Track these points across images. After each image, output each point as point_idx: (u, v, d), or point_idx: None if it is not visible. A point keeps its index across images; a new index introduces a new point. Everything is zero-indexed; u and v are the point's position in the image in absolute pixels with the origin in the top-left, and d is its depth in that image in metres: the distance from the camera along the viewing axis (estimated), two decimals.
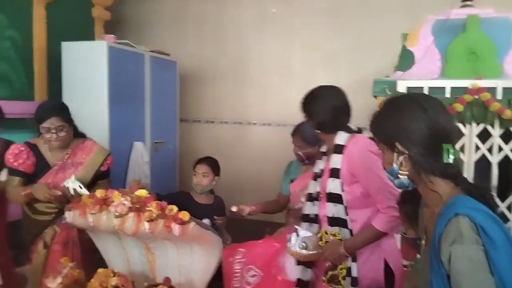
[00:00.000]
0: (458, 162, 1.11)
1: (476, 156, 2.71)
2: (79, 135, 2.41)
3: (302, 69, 5.09)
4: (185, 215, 1.79)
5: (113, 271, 1.77)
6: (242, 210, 2.46)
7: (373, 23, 4.77)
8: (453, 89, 2.71)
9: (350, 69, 4.82)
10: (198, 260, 2.04)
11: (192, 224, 1.81)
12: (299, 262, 1.96)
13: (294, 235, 1.82)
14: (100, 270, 1.76)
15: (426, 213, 1.18)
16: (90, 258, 2.22)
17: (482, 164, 2.72)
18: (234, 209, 2.44)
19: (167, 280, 1.78)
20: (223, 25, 5.35)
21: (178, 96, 4.77)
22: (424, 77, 2.88)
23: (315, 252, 1.78)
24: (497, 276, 0.96)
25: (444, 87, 2.75)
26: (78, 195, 2.03)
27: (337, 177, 1.83)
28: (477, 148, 2.72)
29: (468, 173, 2.71)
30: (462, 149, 2.73)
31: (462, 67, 2.83)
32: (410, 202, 1.26)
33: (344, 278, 1.80)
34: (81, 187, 2.07)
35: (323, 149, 2.03)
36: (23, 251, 2.30)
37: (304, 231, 1.84)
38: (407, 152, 1.12)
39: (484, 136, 2.70)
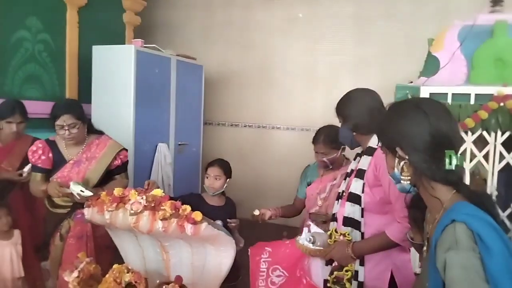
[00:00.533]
0: (460, 169, 1.08)
1: (500, 165, 2.62)
2: (95, 131, 2.51)
3: (327, 74, 5.07)
4: (197, 215, 1.81)
5: (127, 268, 1.81)
6: (264, 214, 2.48)
7: (400, 28, 4.71)
8: (478, 95, 2.64)
9: (376, 75, 4.76)
10: (211, 260, 2.06)
11: (204, 224, 1.84)
12: (327, 263, 1.94)
13: (305, 230, 1.84)
14: (115, 266, 1.80)
15: (429, 219, 1.16)
16: (104, 254, 2.30)
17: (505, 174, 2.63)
18: (256, 212, 2.46)
19: (178, 279, 1.81)
20: (249, 30, 5.41)
21: (203, 99, 4.85)
22: (449, 83, 2.82)
23: (321, 248, 1.78)
24: (492, 285, 0.93)
25: (469, 94, 2.68)
26: (85, 198, 2.11)
27: (361, 178, 1.81)
28: (502, 156, 2.63)
29: (492, 182, 2.62)
30: (485, 157, 2.66)
31: (489, 74, 2.76)
32: (418, 207, 1.24)
33: (349, 280, 1.78)
34: (83, 191, 2.15)
35: (358, 150, 2.01)
36: (46, 244, 2.39)
37: (317, 227, 1.86)
38: (407, 158, 1.10)
39: (509, 144, 2.62)
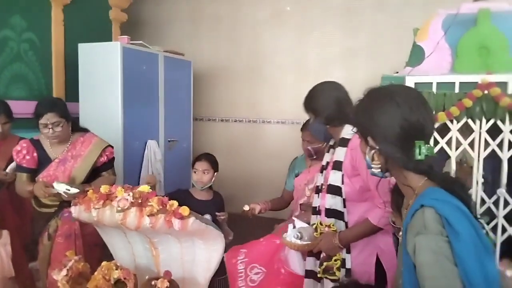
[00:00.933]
0: (430, 158, 1.09)
1: (486, 152, 2.65)
2: (80, 129, 2.49)
3: (317, 66, 5.08)
4: (184, 210, 1.82)
5: (116, 264, 1.82)
6: (254, 208, 2.50)
7: (389, 19, 4.72)
8: (463, 84, 2.66)
9: (366, 66, 4.79)
10: (200, 255, 2.08)
11: (192, 219, 1.85)
12: (309, 254, 1.99)
13: (290, 226, 1.87)
14: (103, 263, 1.81)
15: (404, 204, 1.18)
16: (93, 251, 2.30)
17: (492, 161, 2.66)
18: (246, 208, 2.49)
19: (167, 274, 1.82)
20: (238, 24, 5.39)
21: (192, 95, 4.84)
22: (434, 72, 2.83)
23: (309, 242, 1.82)
24: (460, 267, 0.95)
25: (453, 82, 2.70)
26: (72, 195, 2.11)
27: (339, 169, 1.85)
28: (487, 143, 2.66)
29: (478, 169, 2.65)
30: (471, 144, 2.68)
31: (473, 62, 2.77)
32: (400, 192, 1.26)
33: (338, 269, 1.83)
34: (68, 189, 2.13)
35: (331, 142, 2.06)
36: (34, 244, 2.39)
37: (301, 222, 1.88)
38: (377, 147, 1.12)
39: (494, 132, 2.64)
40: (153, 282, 1.79)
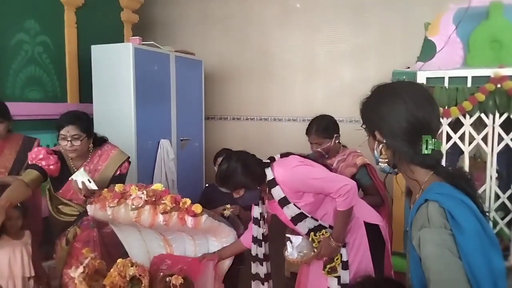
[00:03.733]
0: (437, 152, 1.11)
1: (499, 147, 2.63)
2: (99, 141, 2.41)
3: (327, 64, 5.07)
4: (197, 208, 1.85)
5: (131, 262, 1.85)
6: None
7: (398, 15, 4.68)
8: (475, 78, 2.64)
9: (376, 63, 4.76)
10: (213, 251, 2.11)
11: (204, 217, 1.88)
12: (254, 259, 2.10)
13: (288, 244, 1.96)
14: (119, 260, 1.85)
15: (412, 199, 1.19)
16: (112, 252, 2.31)
17: (506, 155, 2.64)
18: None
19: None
20: (247, 23, 5.40)
21: (203, 94, 4.87)
22: (446, 67, 2.82)
23: (312, 254, 1.93)
24: (464, 260, 0.96)
25: (465, 77, 2.68)
26: (86, 190, 2.05)
27: (288, 202, 1.95)
28: (501, 138, 2.64)
29: (492, 164, 2.63)
30: (485, 139, 2.66)
31: (485, 56, 2.75)
32: None
33: (339, 264, 1.96)
34: (90, 181, 2.07)
35: (252, 201, 2.07)
36: (47, 244, 2.42)
37: (295, 237, 1.97)
38: (385, 142, 1.13)
39: (507, 126, 2.62)
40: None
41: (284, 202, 1.95)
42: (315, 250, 1.93)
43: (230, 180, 1.94)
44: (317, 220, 1.98)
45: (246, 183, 1.94)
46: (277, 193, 1.96)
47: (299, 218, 1.96)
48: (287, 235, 2.00)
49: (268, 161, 2.05)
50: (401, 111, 1.11)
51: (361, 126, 1.23)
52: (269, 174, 1.97)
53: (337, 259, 1.95)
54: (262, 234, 2.07)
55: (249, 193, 1.97)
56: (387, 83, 1.21)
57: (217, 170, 2.01)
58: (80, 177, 2.08)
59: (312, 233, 1.95)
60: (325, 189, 1.90)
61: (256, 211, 2.07)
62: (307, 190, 1.93)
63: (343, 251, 1.95)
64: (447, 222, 0.99)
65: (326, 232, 1.95)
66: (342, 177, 1.99)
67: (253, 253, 2.08)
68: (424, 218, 1.02)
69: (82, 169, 2.15)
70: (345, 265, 1.96)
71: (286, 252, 1.97)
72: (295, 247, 1.93)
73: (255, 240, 2.07)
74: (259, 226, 2.06)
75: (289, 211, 1.96)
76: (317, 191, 1.93)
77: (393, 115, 1.12)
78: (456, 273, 0.96)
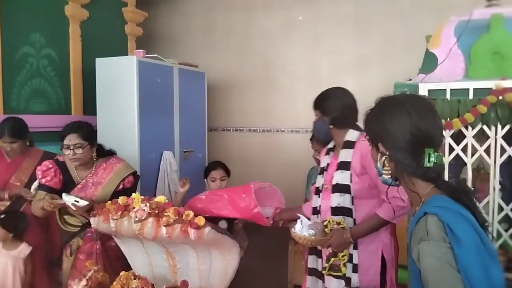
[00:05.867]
0: (438, 166, 1.12)
1: (502, 159, 2.62)
2: (106, 154, 2.45)
3: (330, 75, 5.10)
4: (200, 220, 1.85)
5: (134, 274, 1.85)
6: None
7: (400, 26, 4.73)
8: (477, 90, 2.64)
9: (379, 73, 4.79)
10: (216, 264, 2.10)
11: (207, 229, 1.87)
12: (311, 252, 2.09)
13: (299, 222, 1.92)
14: (122, 273, 1.85)
15: (412, 211, 1.19)
16: (115, 265, 2.30)
17: (509, 167, 2.63)
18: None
19: (184, 283, 1.85)
20: (250, 35, 5.46)
21: (206, 106, 4.90)
22: (448, 79, 2.83)
23: (321, 237, 1.87)
24: (463, 273, 0.97)
25: (467, 89, 2.69)
26: (80, 208, 2.10)
27: (347, 169, 1.95)
28: (503, 149, 2.63)
29: (495, 176, 2.62)
30: (487, 151, 2.66)
31: (487, 68, 2.76)
32: None
33: (344, 265, 1.92)
34: (77, 201, 2.10)
35: (330, 145, 2.16)
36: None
37: (305, 219, 1.94)
38: (388, 154, 1.14)
39: (510, 137, 2.62)
40: None
41: (344, 166, 1.96)
42: (326, 237, 1.88)
43: (325, 100, 2.03)
44: (352, 204, 1.94)
45: (331, 113, 1.99)
46: (345, 155, 1.97)
47: (342, 188, 1.95)
48: (298, 214, 1.97)
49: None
50: (405, 123, 1.12)
51: (365, 137, 1.24)
52: (354, 135, 1.98)
53: (342, 256, 1.91)
54: (322, 185, 2.08)
55: (321, 124, 2.03)
56: (392, 95, 1.23)
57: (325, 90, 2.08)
58: (68, 200, 2.12)
59: (330, 218, 1.93)
60: (384, 185, 1.81)
61: (324, 161, 2.13)
62: (371, 174, 1.87)
63: (355, 252, 1.92)
64: (446, 236, 1.00)
65: (343, 223, 1.91)
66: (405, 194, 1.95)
67: (313, 204, 2.12)
68: (423, 231, 1.03)
69: (64, 194, 2.16)
70: (355, 268, 1.92)
71: (293, 229, 1.91)
72: (306, 225, 1.90)
73: (316, 190, 2.11)
74: (322, 176, 2.10)
75: (340, 177, 1.95)
76: (379, 183, 1.82)
77: (397, 127, 1.13)
78: (455, 286, 0.96)
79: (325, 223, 1.92)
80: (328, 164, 2.10)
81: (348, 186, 1.93)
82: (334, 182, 1.97)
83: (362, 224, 1.91)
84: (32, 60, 3.68)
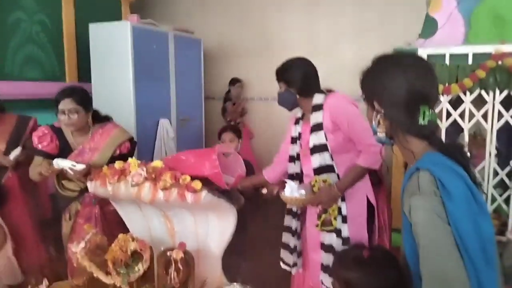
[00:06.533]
0: (433, 123, 1.12)
1: (499, 124, 2.63)
2: (102, 119, 2.43)
3: (328, 42, 5.02)
4: (197, 184, 1.86)
5: (132, 237, 1.87)
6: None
7: None
8: (476, 55, 2.62)
9: (376, 39, 4.70)
10: (214, 227, 2.12)
11: (204, 193, 1.88)
12: (287, 212, 2.21)
13: (287, 186, 1.99)
14: (120, 235, 1.86)
15: (407, 171, 1.20)
16: (114, 229, 2.32)
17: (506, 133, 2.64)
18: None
19: (181, 245, 1.86)
20: (247, 1, 5.33)
21: (202, 73, 4.84)
22: (447, 44, 2.80)
23: (311, 196, 1.95)
24: (453, 226, 0.99)
25: (466, 54, 2.66)
26: (77, 171, 2.11)
27: (320, 129, 2.03)
28: (500, 115, 2.63)
29: (491, 141, 2.63)
30: (485, 116, 2.66)
31: (487, 32, 2.73)
32: None
33: (335, 218, 2.01)
34: (74, 165, 2.11)
35: (298, 114, 2.22)
36: (55, 220, 2.45)
37: (292, 182, 2.02)
38: (383, 111, 1.14)
39: (507, 103, 2.61)
40: (168, 253, 1.84)
41: (317, 127, 2.04)
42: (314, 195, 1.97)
43: (289, 72, 2.08)
44: (332, 160, 2.02)
45: (297, 84, 2.05)
46: (316, 117, 2.04)
47: (320, 148, 2.03)
48: (285, 180, 2.05)
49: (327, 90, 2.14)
50: (401, 80, 1.12)
51: (361, 97, 1.24)
52: (320, 98, 2.05)
53: (333, 211, 2.00)
54: (297, 153, 2.17)
55: (287, 95, 2.08)
56: (388, 54, 1.21)
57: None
58: (65, 164, 2.12)
59: (315, 177, 2.00)
60: (360, 137, 1.94)
61: (295, 130, 2.20)
62: (344, 129, 1.98)
63: (343, 205, 2.01)
64: (437, 190, 1.02)
65: (329, 179, 1.99)
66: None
67: (289, 171, 2.21)
68: (415, 186, 1.05)
69: (59, 159, 2.16)
70: (345, 219, 2.02)
71: (283, 192, 2.00)
72: (295, 188, 1.97)
73: (291, 158, 2.20)
74: (296, 145, 2.18)
75: (315, 138, 2.03)
76: (352, 135, 1.98)
77: (392, 84, 1.13)
78: (445, 238, 0.98)
79: (312, 183, 1.98)
80: (300, 133, 2.18)
81: (325, 144, 2.02)
82: (311, 145, 2.05)
83: (346, 177, 1.99)
84: (24, 25, 3.60)
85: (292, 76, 2.09)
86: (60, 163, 2.15)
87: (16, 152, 2.50)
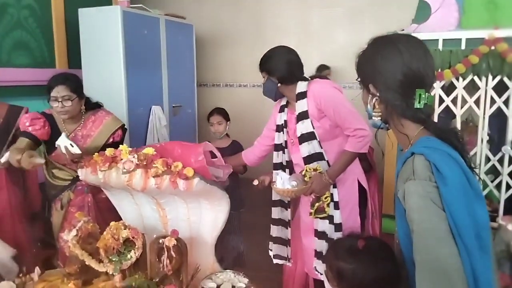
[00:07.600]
0: (428, 107, 1.11)
1: (491, 110, 2.63)
2: (93, 106, 2.40)
3: (321, 27, 4.99)
4: (189, 171, 1.84)
5: (124, 224, 1.86)
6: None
7: None
8: (469, 40, 2.62)
9: (370, 25, 4.69)
10: (206, 215, 2.11)
11: (196, 180, 1.87)
12: (275, 204, 2.23)
13: (279, 177, 2.00)
14: (112, 223, 1.85)
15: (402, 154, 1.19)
16: (106, 217, 2.31)
17: (497, 119, 2.64)
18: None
19: (174, 232, 1.86)
20: None
21: (195, 60, 4.79)
22: (441, 29, 2.78)
23: (303, 187, 1.96)
24: (447, 211, 0.98)
25: (460, 39, 2.65)
26: (71, 154, 2.05)
27: (306, 117, 2.03)
28: (493, 101, 2.64)
29: (483, 127, 2.64)
30: (477, 102, 2.66)
31: (480, 17, 2.71)
32: None
33: (328, 205, 2.02)
34: (72, 145, 2.06)
35: (283, 102, 2.22)
36: (44, 211, 2.42)
37: (284, 173, 2.03)
38: (378, 95, 1.12)
39: (500, 89, 2.61)
40: (161, 241, 1.83)
41: (303, 116, 2.04)
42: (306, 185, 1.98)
43: (269, 61, 2.08)
44: (321, 147, 2.03)
45: (280, 72, 2.05)
46: (301, 106, 2.04)
47: (308, 136, 2.03)
48: (275, 171, 2.04)
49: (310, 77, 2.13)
50: (397, 62, 1.10)
51: (356, 80, 1.22)
52: (303, 86, 2.05)
53: (325, 198, 2.01)
54: (285, 141, 2.19)
55: (270, 84, 2.09)
56: (384, 35, 1.19)
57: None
58: (62, 142, 2.07)
59: (306, 167, 2.01)
60: (347, 122, 1.95)
61: (280, 118, 2.20)
62: (329, 115, 1.99)
63: (335, 191, 2.03)
64: (432, 175, 1.00)
65: (320, 167, 2.00)
66: (365, 122, 2.00)
67: (275, 160, 2.23)
68: (409, 171, 1.03)
69: (63, 134, 2.12)
70: (337, 205, 2.04)
71: (275, 184, 2.01)
72: (286, 178, 1.98)
73: (277, 147, 2.20)
74: (283, 133, 2.18)
75: (303, 127, 2.04)
76: (338, 121, 1.99)
77: (388, 67, 1.11)
78: (438, 223, 0.97)
79: (303, 173, 1.99)
80: (285, 121, 2.18)
81: (312, 132, 2.03)
82: (298, 134, 2.05)
83: (336, 164, 2.01)
84: (12, 10, 3.52)
85: (272, 65, 2.09)
86: (60, 140, 2.09)
87: (6, 156, 2.31)
